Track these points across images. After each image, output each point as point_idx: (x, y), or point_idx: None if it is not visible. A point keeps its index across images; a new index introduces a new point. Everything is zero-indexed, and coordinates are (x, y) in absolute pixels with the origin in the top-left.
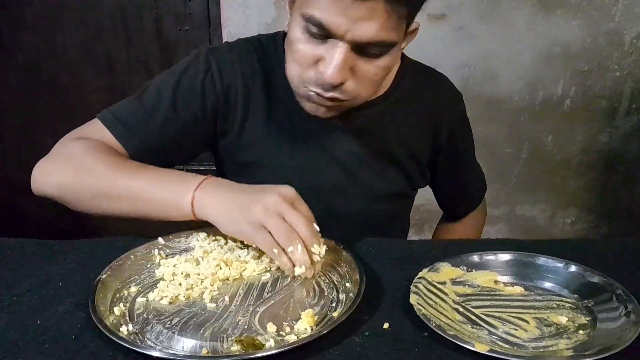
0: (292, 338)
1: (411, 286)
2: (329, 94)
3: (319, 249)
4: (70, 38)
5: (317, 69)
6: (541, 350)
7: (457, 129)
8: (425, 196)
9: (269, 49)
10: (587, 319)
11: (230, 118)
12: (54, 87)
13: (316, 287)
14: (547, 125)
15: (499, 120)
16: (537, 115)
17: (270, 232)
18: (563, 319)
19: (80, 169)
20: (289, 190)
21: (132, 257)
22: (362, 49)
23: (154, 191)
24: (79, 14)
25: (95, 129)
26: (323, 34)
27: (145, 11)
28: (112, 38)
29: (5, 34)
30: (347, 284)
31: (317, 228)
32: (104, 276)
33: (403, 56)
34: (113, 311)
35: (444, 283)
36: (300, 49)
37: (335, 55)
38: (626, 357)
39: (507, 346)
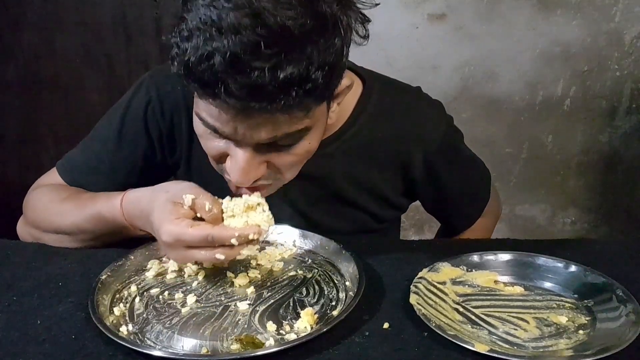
0: (292, 337)
1: (411, 286)
2: (247, 185)
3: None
4: (70, 38)
5: (226, 167)
6: (541, 350)
7: (436, 158)
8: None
9: None
10: (587, 319)
11: (178, 148)
12: (54, 87)
13: (316, 286)
14: (547, 125)
15: (499, 120)
16: (537, 115)
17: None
18: (563, 319)
19: (38, 222)
20: (164, 228)
21: (132, 257)
22: (269, 144)
23: (92, 219)
24: (79, 14)
25: (54, 177)
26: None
27: (145, 11)
28: (112, 38)
29: (5, 34)
30: (347, 283)
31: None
32: (104, 276)
33: (365, 79)
34: (113, 311)
35: (444, 283)
36: (206, 146)
37: (239, 157)
38: (626, 357)
39: (507, 346)
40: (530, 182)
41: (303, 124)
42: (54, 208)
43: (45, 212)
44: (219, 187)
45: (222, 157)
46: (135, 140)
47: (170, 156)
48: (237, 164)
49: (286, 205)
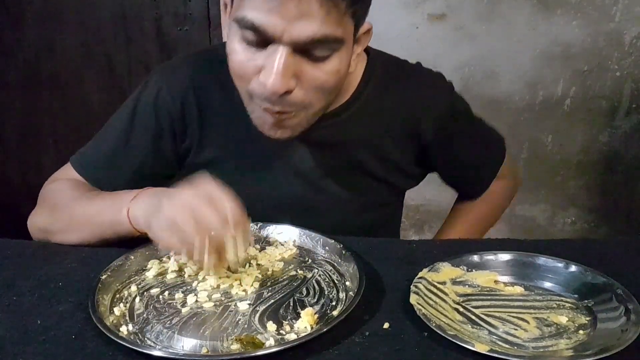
0: (292, 337)
1: (411, 286)
2: (277, 108)
3: (235, 256)
4: (70, 38)
5: (259, 80)
6: (541, 350)
7: (445, 121)
8: (425, 196)
9: (225, 57)
10: (587, 319)
11: (189, 136)
12: (54, 87)
13: (316, 286)
14: (547, 125)
15: (499, 120)
16: (537, 115)
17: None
18: (563, 319)
19: (50, 209)
20: (207, 186)
21: (132, 257)
22: (305, 51)
23: (102, 214)
24: (79, 14)
25: (68, 171)
26: (260, 39)
27: (145, 11)
28: (112, 38)
29: (5, 33)
30: (347, 283)
31: (245, 223)
32: (104, 276)
33: (369, 52)
34: (113, 311)
35: (444, 283)
36: (239, 61)
37: (276, 61)
38: (626, 357)
39: (507, 346)
40: (530, 182)
41: (338, 30)
42: (65, 198)
43: (56, 201)
44: (234, 167)
45: (256, 72)
46: (147, 130)
47: (182, 142)
48: (274, 67)
49: (300, 179)
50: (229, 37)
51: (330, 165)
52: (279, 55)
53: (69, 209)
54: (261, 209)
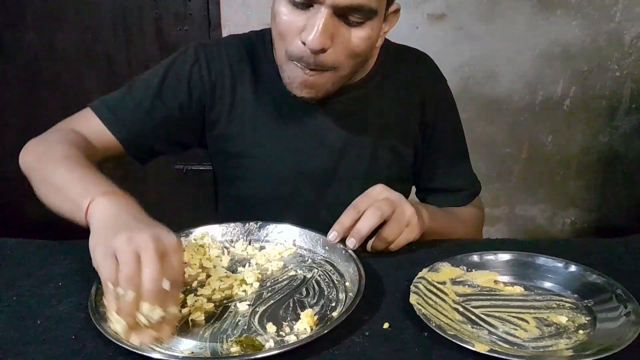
0: (291, 338)
1: (411, 286)
2: (311, 66)
3: (148, 312)
4: (70, 38)
5: (300, 38)
6: (541, 350)
7: (442, 107)
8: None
9: (256, 43)
10: (587, 319)
11: (218, 109)
12: (54, 87)
13: (316, 287)
14: (547, 125)
15: (499, 120)
16: (537, 115)
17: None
18: (563, 319)
19: (42, 154)
20: (169, 239)
21: None
22: (343, 15)
23: (71, 188)
24: (79, 14)
25: (86, 116)
26: (305, 0)
27: (145, 11)
28: (112, 38)
29: (5, 34)
30: (347, 284)
31: (178, 290)
32: None
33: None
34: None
35: (444, 283)
36: (284, 21)
37: (317, 21)
38: (626, 357)
39: (507, 346)
40: (530, 182)
41: (374, 2)
42: (57, 152)
43: (47, 152)
44: (261, 140)
45: (299, 31)
46: (176, 92)
47: (209, 114)
48: (315, 26)
49: (324, 150)
50: (275, 3)
51: (352, 136)
52: (320, 16)
53: (52, 166)
54: (286, 180)
